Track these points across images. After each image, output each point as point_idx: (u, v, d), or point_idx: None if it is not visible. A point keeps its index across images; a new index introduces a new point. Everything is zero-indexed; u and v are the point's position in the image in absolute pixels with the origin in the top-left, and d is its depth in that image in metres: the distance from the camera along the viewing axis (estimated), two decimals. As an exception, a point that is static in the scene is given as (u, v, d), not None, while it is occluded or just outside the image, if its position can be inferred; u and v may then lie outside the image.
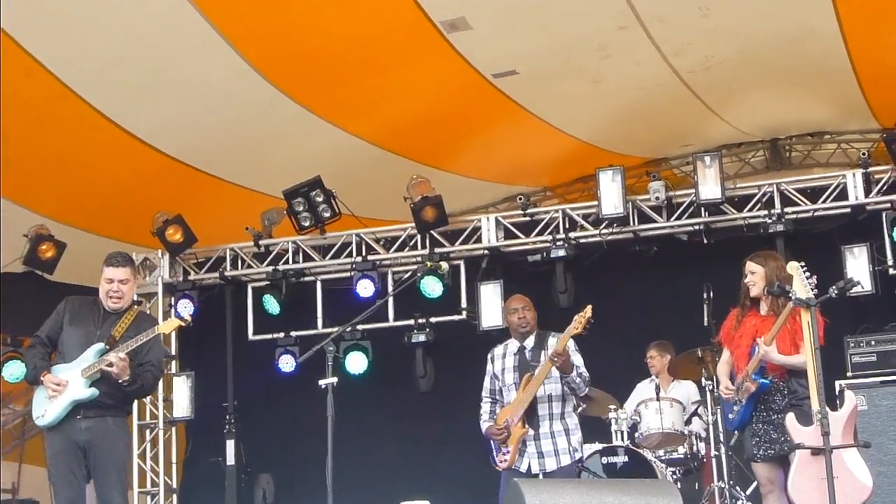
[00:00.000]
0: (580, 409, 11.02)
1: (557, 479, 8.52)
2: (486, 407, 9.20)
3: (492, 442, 9.05)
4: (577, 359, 8.91)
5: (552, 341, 8.90)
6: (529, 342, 9.07)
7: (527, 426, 8.80)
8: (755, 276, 8.30)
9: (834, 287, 7.85)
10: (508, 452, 8.83)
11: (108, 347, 8.13)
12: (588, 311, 8.70)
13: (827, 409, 7.47)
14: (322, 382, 8.10)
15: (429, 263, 11.80)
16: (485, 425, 9.14)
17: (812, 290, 7.75)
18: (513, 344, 9.18)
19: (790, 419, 7.75)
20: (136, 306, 8.53)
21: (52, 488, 8.23)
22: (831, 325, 8.32)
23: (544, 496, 6.15)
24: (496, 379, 9.16)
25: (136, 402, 12.68)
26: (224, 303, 13.48)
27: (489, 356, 9.29)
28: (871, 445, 8.11)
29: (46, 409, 8.17)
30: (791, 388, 8.07)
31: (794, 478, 7.65)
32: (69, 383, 8.10)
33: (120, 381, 8.10)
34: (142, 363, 8.26)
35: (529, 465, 8.80)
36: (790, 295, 7.73)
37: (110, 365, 8.01)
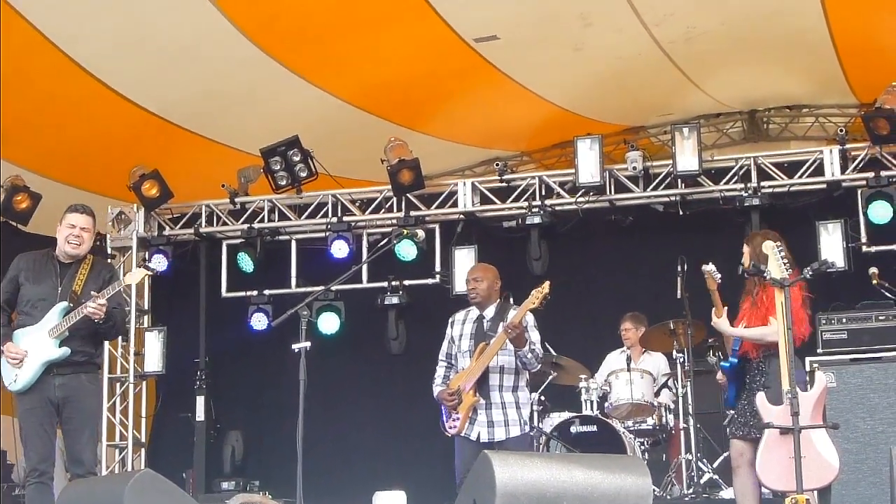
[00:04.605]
0: (551, 377, 11.12)
1: (527, 452, 8.52)
2: (440, 371, 9.12)
3: (442, 407, 8.98)
4: (535, 335, 8.78)
5: (512, 314, 8.76)
6: (489, 311, 8.96)
7: (478, 395, 8.74)
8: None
9: (809, 268, 7.86)
10: (458, 419, 8.78)
11: (71, 305, 8.16)
12: (546, 286, 8.57)
13: (797, 389, 7.52)
14: (295, 347, 8.13)
15: (405, 231, 11.78)
16: (437, 389, 9.04)
17: (786, 265, 7.78)
18: (474, 311, 9.06)
19: (760, 398, 7.79)
20: (90, 255, 8.46)
21: (23, 444, 8.21)
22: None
23: (514, 469, 6.14)
24: (453, 343, 9.08)
25: (107, 355, 12.78)
26: (198, 259, 13.49)
27: (450, 319, 9.19)
28: (840, 427, 8.14)
29: (17, 374, 8.18)
30: (763, 368, 8.10)
31: (762, 456, 7.70)
32: (30, 351, 8.13)
33: (95, 321, 8.09)
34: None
35: (479, 434, 8.76)
36: (766, 275, 7.76)
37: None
